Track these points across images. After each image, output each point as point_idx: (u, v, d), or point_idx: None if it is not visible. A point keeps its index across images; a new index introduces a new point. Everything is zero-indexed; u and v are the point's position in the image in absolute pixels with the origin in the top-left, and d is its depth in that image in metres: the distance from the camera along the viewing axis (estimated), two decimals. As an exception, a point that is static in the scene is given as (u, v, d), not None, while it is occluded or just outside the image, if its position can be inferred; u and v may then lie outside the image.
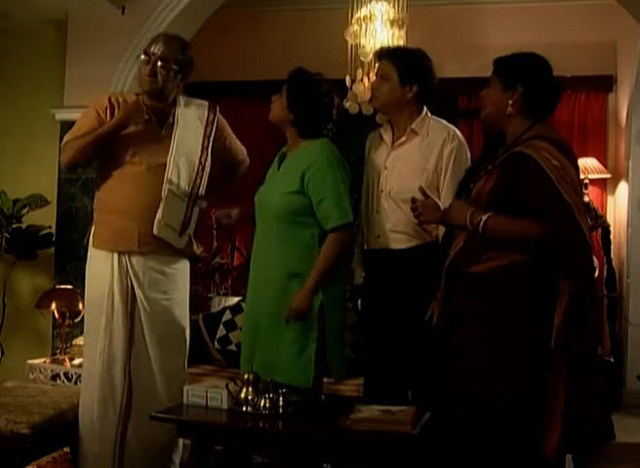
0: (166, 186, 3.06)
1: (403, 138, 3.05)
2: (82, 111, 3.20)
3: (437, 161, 2.98)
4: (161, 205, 3.04)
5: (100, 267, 3.08)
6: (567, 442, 2.39)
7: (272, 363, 2.90)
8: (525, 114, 2.60)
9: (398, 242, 2.98)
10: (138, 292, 3.06)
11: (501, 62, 2.66)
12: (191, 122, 3.19)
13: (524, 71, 2.61)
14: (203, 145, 3.20)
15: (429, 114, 3.09)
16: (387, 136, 3.12)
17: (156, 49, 3.07)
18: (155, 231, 3.04)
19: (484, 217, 2.48)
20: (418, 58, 3.08)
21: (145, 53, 3.09)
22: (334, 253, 2.91)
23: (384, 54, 3.13)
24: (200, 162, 3.18)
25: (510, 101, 2.59)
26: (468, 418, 2.49)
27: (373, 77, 4.79)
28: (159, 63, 3.06)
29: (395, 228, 2.98)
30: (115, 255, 3.05)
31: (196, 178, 3.16)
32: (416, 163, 2.99)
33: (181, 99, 3.22)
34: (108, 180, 3.11)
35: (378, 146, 3.15)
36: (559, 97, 2.67)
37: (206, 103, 3.26)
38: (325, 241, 2.93)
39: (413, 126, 3.04)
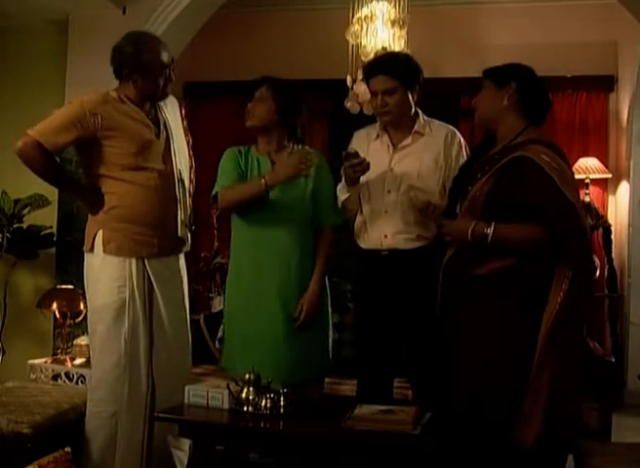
0: (180, 188, 3.10)
1: (408, 140, 3.08)
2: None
3: (446, 159, 3.03)
4: (179, 207, 3.09)
5: (116, 273, 3.00)
6: (546, 434, 2.40)
7: (299, 362, 2.97)
8: (521, 111, 2.63)
9: (406, 242, 3.00)
10: (156, 292, 3.06)
11: (491, 69, 2.73)
12: (174, 120, 3.21)
13: (515, 70, 2.68)
14: (186, 140, 3.25)
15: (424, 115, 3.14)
16: (385, 138, 3.12)
17: (169, 57, 3.08)
18: (180, 233, 3.10)
19: (489, 231, 2.49)
20: (410, 62, 3.09)
21: (169, 64, 3.07)
22: (331, 251, 3.07)
23: (377, 69, 3.07)
24: (190, 156, 3.25)
25: (506, 96, 2.63)
26: (469, 419, 2.49)
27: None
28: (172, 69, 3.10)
29: (406, 229, 2.99)
30: (133, 261, 3.01)
31: (190, 174, 3.23)
32: (428, 164, 3.03)
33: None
34: (119, 187, 3.02)
35: (370, 148, 3.13)
36: (550, 102, 2.73)
37: (174, 98, 3.25)
38: (323, 240, 3.04)
39: (416, 128, 3.08)
